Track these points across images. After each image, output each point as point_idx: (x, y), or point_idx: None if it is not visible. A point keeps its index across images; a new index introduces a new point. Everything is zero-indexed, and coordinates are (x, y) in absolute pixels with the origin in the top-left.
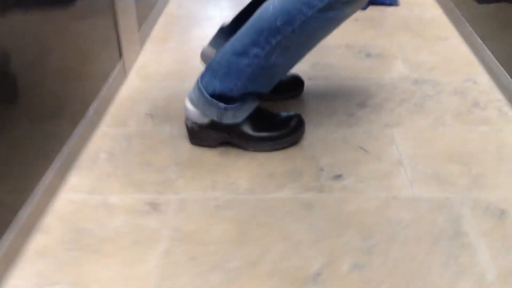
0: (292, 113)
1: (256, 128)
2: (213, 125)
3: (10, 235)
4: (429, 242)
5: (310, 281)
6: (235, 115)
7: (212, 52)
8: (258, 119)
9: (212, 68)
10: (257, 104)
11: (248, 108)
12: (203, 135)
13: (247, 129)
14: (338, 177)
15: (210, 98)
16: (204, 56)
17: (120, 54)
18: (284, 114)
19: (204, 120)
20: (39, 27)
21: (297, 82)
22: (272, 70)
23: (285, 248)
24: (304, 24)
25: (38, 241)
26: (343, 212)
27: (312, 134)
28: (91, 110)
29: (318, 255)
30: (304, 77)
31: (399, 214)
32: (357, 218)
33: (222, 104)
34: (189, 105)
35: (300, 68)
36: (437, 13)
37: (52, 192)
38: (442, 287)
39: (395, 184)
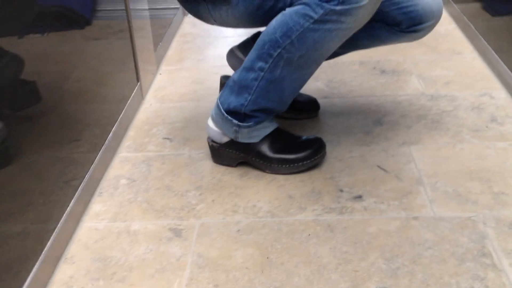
0: (312, 136)
1: (274, 149)
2: (231, 144)
3: (38, 266)
4: (453, 263)
5: None
6: (251, 134)
7: (237, 54)
8: (277, 140)
9: (229, 85)
10: (276, 125)
11: (265, 128)
12: (222, 153)
13: (265, 150)
14: (358, 197)
15: (225, 114)
16: (229, 57)
17: (137, 76)
18: (304, 137)
19: (223, 139)
20: (57, 49)
21: (313, 104)
22: (279, 84)
23: (309, 272)
24: (302, 36)
25: (65, 272)
26: (365, 234)
27: (329, 154)
28: (111, 134)
29: (342, 279)
30: (319, 95)
31: (421, 235)
32: (380, 240)
33: (235, 121)
34: (210, 123)
35: (315, 86)
36: (451, 28)
37: (75, 220)
38: None
39: (415, 204)
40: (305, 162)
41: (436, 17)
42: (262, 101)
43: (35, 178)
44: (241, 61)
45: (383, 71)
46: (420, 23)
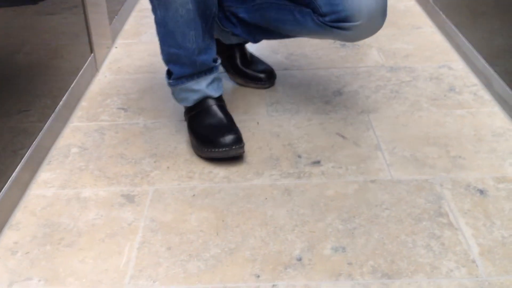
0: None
1: (197, 125)
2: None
3: None
4: (410, 223)
5: (292, 265)
6: (179, 96)
7: None
8: (203, 116)
9: None
10: (205, 96)
11: (192, 92)
12: None
13: (191, 123)
14: (316, 163)
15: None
16: None
17: (91, 49)
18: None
19: None
20: (9, 22)
21: (268, 74)
22: (166, 27)
23: (265, 234)
24: None
25: (9, 238)
26: (323, 197)
27: (288, 122)
28: (61, 105)
29: (298, 240)
30: (278, 67)
31: (379, 197)
32: (337, 203)
33: (166, 78)
34: None
35: (274, 59)
36: (410, 4)
37: (22, 188)
38: (425, 266)
39: (373, 168)
40: (219, 150)
41: (364, 18)
42: (164, 47)
43: None
44: None
45: (343, 45)
46: (345, 20)
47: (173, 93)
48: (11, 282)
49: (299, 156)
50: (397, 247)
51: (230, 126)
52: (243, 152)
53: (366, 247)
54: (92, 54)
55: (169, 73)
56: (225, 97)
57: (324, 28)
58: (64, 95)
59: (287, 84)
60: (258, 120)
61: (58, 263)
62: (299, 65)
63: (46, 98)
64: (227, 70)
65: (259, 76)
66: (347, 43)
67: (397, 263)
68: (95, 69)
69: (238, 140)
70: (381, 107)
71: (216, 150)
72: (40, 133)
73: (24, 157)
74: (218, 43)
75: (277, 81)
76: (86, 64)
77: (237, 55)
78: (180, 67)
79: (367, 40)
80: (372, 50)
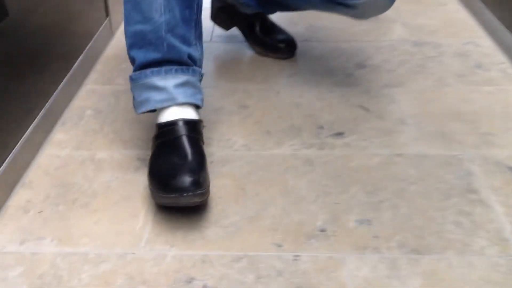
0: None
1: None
2: None
3: None
4: (438, 199)
5: (315, 236)
6: (136, 97)
7: None
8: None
9: None
10: (160, 105)
11: (150, 96)
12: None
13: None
14: (339, 134)
15: None
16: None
17: (107, 12)
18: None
19: None
20: None
21: (289, 44)
22: None
23: (286, 203)
24: None
25: (21, 196)
26: (346, 169)
27: (309, 93)
28: (75, 67)
29: (321, 210)
30: (298, 38)
31: (405, 171)
32: (361, 175)
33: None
34: None
35: (294, 29)
36: None
37: (35, 147)
38: (455, 243)
39: (399, 142)
40: (168, 195)
41: None
42: (128, 27)
43: None
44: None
45: None
46: None
47: (134, 99)
48: (22, 240)
49: (321, 127)
50: (426, 222)
51: (190, 166)
52: (201, 201)
53: (393, 221)
54: (108, 18)
55: (133, 66)
56: (243, 66)
57: (329, 3)
58: (78, 58)
59: (307, 56)
60: (278, 89)
61: (71, 224)
62: (320, 37)
63: (60, 60)
64: (247, 38)
65: (279, 45)
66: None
67: (425, 238)
68: (111, 33)
69: (195, 185)
70: (405, 82)
71: (165, 195)
72: (53, 94)
73: (37, 117)
74: (238, 11)
75: (297, 52)
76: (101, 28)
77: (257, 23)
78: (144, 52)
79: (390, 15)
80: (396, 25)
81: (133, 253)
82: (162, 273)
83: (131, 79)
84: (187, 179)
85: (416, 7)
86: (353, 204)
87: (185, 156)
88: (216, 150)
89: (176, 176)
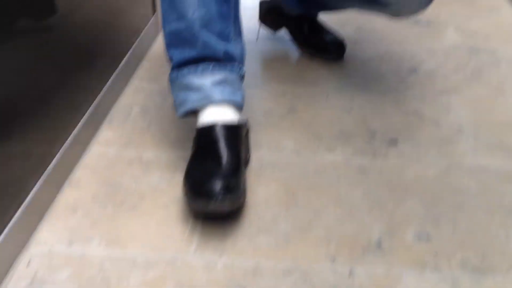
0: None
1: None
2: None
3: (39, 187)
4: (502, 214)
5: (370, 250)
6: (176, 98)
7: None
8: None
9: None
10: (196, 106)
11: (188, 97)
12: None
13: None
14: (392, 142)
15: None
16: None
17: (154, 10)
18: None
19: None
20: None
21: (338, 45)
22: None
23: (339, 213)
24: None
25: (68, 195)
26: (401, 179)
27: (359, 97)
28: (122, 64)
29: (377, 222)
30: (347, 41)
31: (465, 183)
32: (418, 186)
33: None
34: None
35: (341, 32)
36: None
37: (83, 145)
38: None
39: (457, 152)
40: (197, 201)
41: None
42: (166, 26)
43: (39, 100)
44: None
45: (417, 22)
46: None
47: (174, 101)
48: (70, 241)
49: (373, 133)
50: (488, 240)
51: (222, 171)
52: (231, 208)
53: (453, 237)
54: (155, 14)
55: (170, 66)
56: (291, 68)
57: (364, 1)
58: (126, 54)
59: (357, 58)
60: (328, 93)
61: (119, 226)
62: (369, 39)
63: (107, 57)
64: (295, 39)
65: (327, 46)
66: (421, 22)
67: (489, 257)
68: (157, 30)
69: (225, 190)
70: (461, 89)
71: (195, 201)
72: (101, 91)
73: (85, 114)
74: (286, 12)
75: (346, 54)
76: (148, 25)
77: (305, 24)
78: (180, 50)
79: (442, 18)
80: (449, 29)
81: (183, 259)
82: (213, 282)
83: (170, 79)
84: (217, 184)
85: (469, 11)
86: (410, 217)
87: (219, 161)
88: (265, 154)
89: (206, 182)
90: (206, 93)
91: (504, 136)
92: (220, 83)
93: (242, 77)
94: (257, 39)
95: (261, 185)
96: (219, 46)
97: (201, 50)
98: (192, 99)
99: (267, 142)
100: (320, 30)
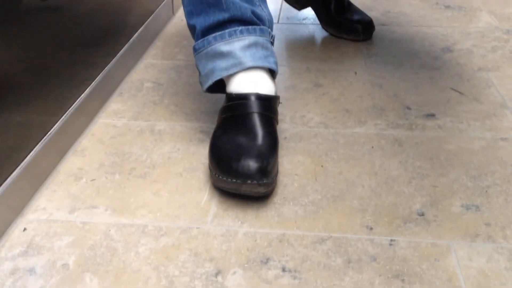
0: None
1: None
2: None
3: (37, 152)
4: None
5: (413, 219)
6: (200, 68)
7: None
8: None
9: None
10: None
11: (213, 72)
12: None
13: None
14: (430, 116)
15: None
16: None
17: None
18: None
19: None
20: None
21: (366, 25)
22: None
23: (375, 184)
24: None
25: (72, 163)
26: (443, 151)
27: (391, 74)
28: (133, 40)
29: (418, 193)
30: (375, 23)
31: None
32: (462, 158)
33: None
34: None
35: (370, 15)
36: None
37: (89, 115)
38: None
39: (502, 126)
40: (228, 180)
41: None
42: None
43: (45, 73)
44: None
45: (447, 6)
46: None
47: (199, 74)
48: (72, 209)
49: (408, 108)
50: None
51: (258, 150)
52: (265, 192)
53: (506, 209)
54: None
55: (194, 37)
56: (315, 47)
57: None
58: (136, 32)
59: (386, 39)
60: (356, 70)
61: (128, 193)
62: (399, 22)
63: (117, 33)
64: (320, 18)
65: (355, 26)
66: (452, 5)
67: None
68: (171, 12)
69: (262, 172)
70: (501, 66)
71: (224, 179)
72: (108, 65)
73: (91, 85)
74: None
75: (374, 35)
76: (161, 5)
77: (332, 2)
78: (204, 16)
79: (474, 3)
80: (482, 13)
81: (198, 227)
82: (233, 251)
83: (194, 50)
84: (253, 165)
85: None
86: (456, 188)
87: (254, 137)
88: (289, 127)
89: (241, 160)
90: (236, 59)
91: None
92: (250, 46)
93: (273, 41)
94: (277, 21)
95: (286, 156)
96: (245, 6)
97: (227, 11)
98: (220, 67)
99: (291, 115)
100: (348, 8)
